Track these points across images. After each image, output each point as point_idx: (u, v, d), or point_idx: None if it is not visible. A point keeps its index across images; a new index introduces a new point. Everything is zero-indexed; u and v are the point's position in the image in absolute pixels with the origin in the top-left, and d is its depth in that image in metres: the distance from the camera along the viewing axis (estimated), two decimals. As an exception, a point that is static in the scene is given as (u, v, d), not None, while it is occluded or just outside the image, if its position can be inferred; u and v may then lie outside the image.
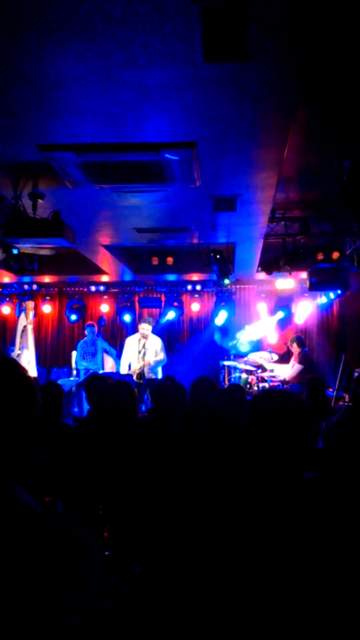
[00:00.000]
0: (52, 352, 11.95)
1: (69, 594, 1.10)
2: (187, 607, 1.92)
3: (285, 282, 10.52)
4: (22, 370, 1.33)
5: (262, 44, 3.03)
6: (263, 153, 4.70)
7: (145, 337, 9.28)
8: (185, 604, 1.94)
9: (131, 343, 9.41)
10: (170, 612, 2.00)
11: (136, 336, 9.43)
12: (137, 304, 11.80)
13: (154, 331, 9.60)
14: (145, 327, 9.31)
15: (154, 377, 9.11)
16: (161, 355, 9.30)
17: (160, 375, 9.25)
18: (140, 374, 9.06)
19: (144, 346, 9.22)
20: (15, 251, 6.52)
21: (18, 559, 1.09)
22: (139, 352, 9.17)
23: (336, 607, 1.66)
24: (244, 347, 10.53)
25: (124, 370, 9.35)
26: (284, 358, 10.26)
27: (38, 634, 1.05)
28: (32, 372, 9.06)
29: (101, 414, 3.84)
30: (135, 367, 9.20)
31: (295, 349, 9.72)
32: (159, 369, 9.45)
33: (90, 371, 10.00)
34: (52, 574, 1.09)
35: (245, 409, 3.57)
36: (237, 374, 9.88)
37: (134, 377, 9.14)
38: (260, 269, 9.28)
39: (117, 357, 10.66)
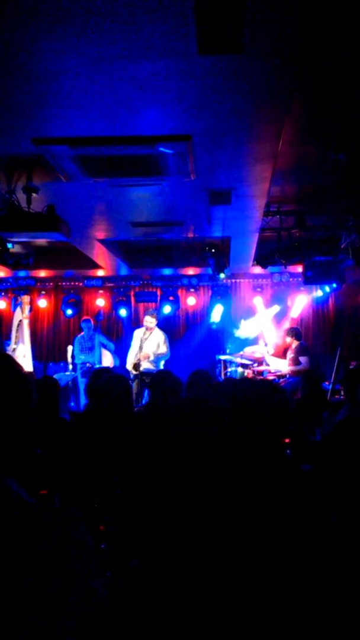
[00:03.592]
0: (49, 347, 11.94)
1: (63, 588, 1.09)
2: (185, 600, 1.93)
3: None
4: (18, 367, 1.32)
5: (257, 36, 3.01)
6: (258, 146, 4.69)
7: (149, 329, 9.30)
8: (183, 597, 1.95)
9: (137, 335, 9.44)
10: (168, 605, 2.00)
11: (142, 329, 9.45)
12: (133, 299, 11.79)
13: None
14: (149, 320, 9.32)
15: (152, 368, 9.09)
16: (163, 349, 9.26)
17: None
18: (136, 365, 9.06)
19: (146, 338, 9.24)
20: (10, 245, 6.51)
21: (10, 554, 1.08)
22: (139, 345, 9.19)
23: (333, 594, 1.67)
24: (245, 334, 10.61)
25: (130, 362, 9.37)
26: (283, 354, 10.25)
27: (33, 630, 1.05)
28: (28, 366, 9.04)
29: (98, 408, 3.84)
30: (134, 359, 9.22)
31: (291, 341, 9.69)
32: (162, 363, 9.44)
33: (87, 364, 9.97)
34: (44, 568, 1.09)
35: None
36: (234, 368, 9.88)
37: (131, 368, 9.14)
38: (255, 262, 9.27)
39: (116, 351, 10.64)
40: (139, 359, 9.05)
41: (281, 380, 9.54)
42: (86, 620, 1.09)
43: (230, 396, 3.99)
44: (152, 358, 9.14)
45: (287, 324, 11.16)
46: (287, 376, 9.46)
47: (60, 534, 1.14)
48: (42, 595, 1.07)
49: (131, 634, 1.95)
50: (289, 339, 9.71)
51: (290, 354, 9.65)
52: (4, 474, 1.18)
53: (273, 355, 10.20)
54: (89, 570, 1.14)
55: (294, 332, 9.72)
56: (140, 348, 9.14)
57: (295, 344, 9.59)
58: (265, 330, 10.93)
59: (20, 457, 1.23)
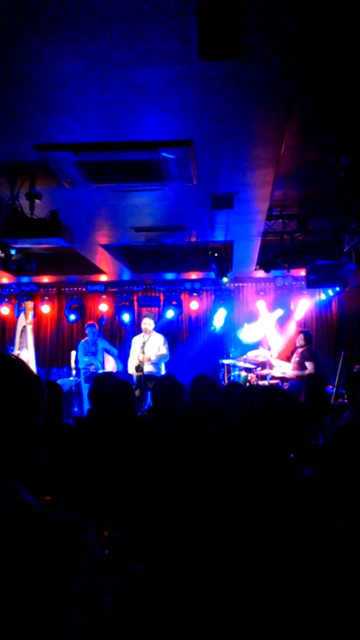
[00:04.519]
0: (52, 352, 11.95)
1: (69, 594, 1.09)
2: (188, 606, 1.92)
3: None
4: (30, 371, 1.33)
5: (258, 41, 3.03)
6: (260, 150, 4.70)
7: (147, 332, 9.37)
8: (186, 603, 1.94)
9: (136, 341, 9.52)
10: (171, 611, 1.99)
11: (141, 335, 9.53)
12: (136, 303, 11.80)
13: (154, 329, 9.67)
14: (147, 322, 9.42)
15: (154, 370, 9.14)
16: (163, 350, 9.37)
17: (163, 372, 9.29)
18: (138, 367, 9.11)
19: (146, 341, 9.30)
20: (13, 251, 6.52)
21: (18, 559, 1.09)
22: (141, 347, 9.25)
23: (335, 602, 1.67)
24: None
25: (131, 368, 9.41)
26: (287, 359, 10.22)
27: (38, 634, 1.05)
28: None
29: (100, 413, 3.84)
30: (136, 361, 9.28)
31: (301, 343, 9.60)
32: (162, 365, 9.50)
33: (91, 369, 9.99)
34: (52, 574, 1.09)
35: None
36: (237, 372, 9.87)
37: (133, 370, 9.19)
38: (258, 266, 9.27)
39: (119, 356, 10.64)
40: (141, 361, 9.12)
41: (284, 383, 9.53)
42: (90, 626, 1.09)
43: (237, 401, 3.99)
44: (153, 360, 9.20)
45: (292, 328, 11.15)
46: (290, 380, 9.45)
47: (67, 541, 1.14)
48: (47, 601, 1.07)
49: (134, 638, 1.95)
50: (299, 341, 9.61)
51: (295, 358, 9.62)
52: (13, 479, 1.18)
53: (276, 359, 10.19)
54: (95, 576, 1.14)
55: (307, 337, 9.62)
56: (143, 351, 9.19)
57: (302, 348, 9.54)
58: (268, 334, 10.92)
59: (27, 463, 1.23)
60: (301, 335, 9.61)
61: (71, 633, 1.07)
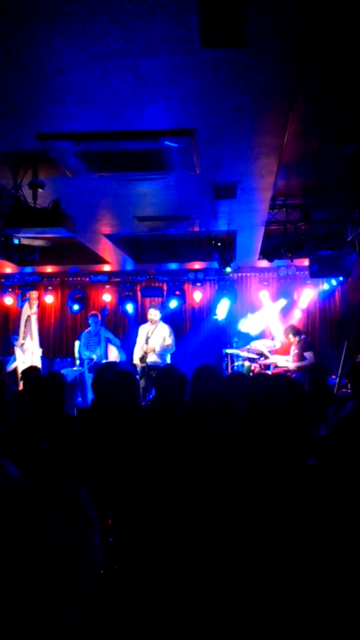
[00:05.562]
0: (55, 343, 11.98)
1: (63, 557, 1.10)
2: (190, 594, 1.94)
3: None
4: None
5: (260, 28, 3.00)
6: (263, 139, 4.67)
7: (153, 323, 9.40)
8: (189, 591, 1.95)
9: (142, 330, 9.56)
10: (173, 599, 2.01)
11: (148, 324, 9.57)
12: (139, 294, 11.80)
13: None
14: (153, 313, 9.45)
15: (158, 361, 9.16)
16: (169, 341, 9.40)
17: (168, 362, 9.32)
18: (143, 358, 9.15)
19: (151, 332, 9.34)
20: (16, 241, 6.53)
21: (11, 533, 1.09)
22: (146, 338, 9.29)
23: (335, 590, 1.68)
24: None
25: (136, 358, 9.45)
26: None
27: (37, 600, 1.05)
28: (36, 361, 9.10)
29: (104, 403, 3.85)
30: (140, 352, 9.32)
31: (292, 338, 9.69)
32: (168, 356, 9.53)
33: (94, 360, 10.02)
34: (47, 541, 1.10)
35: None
36: (240, 362, 9.88)
37: (138, 361, 9.23)
38: (261, 256, 9.26)
39: (122, 346, 10.66)
40: (145, 352, 9.15)
41: (287, 375, 9.54)
42: (86, 588, 1.10)
43: (241, 391, 3.99)
44: (158, 350, 9.21)
45: (295, 317, 11.14)
46: (291, 371, 9.47)
47: (61, 507, 1.15)
48: (45, 564, 1.08)
49: (135, 627, 1.96)
50: (291, 337, 9.72)
51: (294, 350, 9.66)
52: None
53: (279, 349, 10.21)
54: (89, 536, 1.15)
55: (293, 330, 9.73)
56: (147, 342, 9.22)
57: (297, 340, 9.60)
58: (271, 324, 10.92)
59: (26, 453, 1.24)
60: (290, 335, 9.70)
61: (68, 596, 1.08)
